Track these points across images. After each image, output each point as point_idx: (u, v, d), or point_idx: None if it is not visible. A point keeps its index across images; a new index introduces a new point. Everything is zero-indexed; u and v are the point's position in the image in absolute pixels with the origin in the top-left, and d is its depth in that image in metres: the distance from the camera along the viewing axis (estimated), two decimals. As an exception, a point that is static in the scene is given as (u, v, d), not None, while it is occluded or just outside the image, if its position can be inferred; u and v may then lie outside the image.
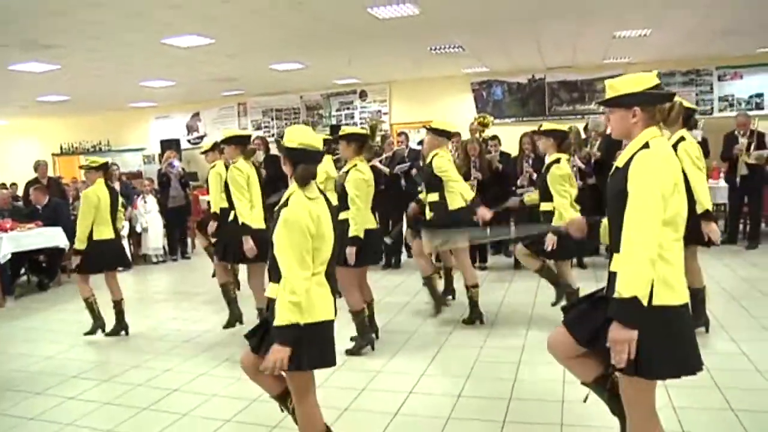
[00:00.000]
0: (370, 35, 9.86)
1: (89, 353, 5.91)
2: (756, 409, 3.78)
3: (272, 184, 6.94)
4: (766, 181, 9.15)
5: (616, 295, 2.33)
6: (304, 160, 3.01)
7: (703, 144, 9.39)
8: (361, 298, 5.39)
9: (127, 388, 4.83)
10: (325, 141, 7.51)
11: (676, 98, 2.61)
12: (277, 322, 2.82)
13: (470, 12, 8.72)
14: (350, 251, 5.05)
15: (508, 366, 4.84)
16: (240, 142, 5.92)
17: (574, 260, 8.16)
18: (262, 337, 3.09)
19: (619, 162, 2.58)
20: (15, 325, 7.17)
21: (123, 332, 6.38)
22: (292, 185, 3.04)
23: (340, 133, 5.51)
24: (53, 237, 8.81)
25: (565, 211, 5.36)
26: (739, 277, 7.38)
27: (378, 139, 11.14)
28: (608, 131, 8.20)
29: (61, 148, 19.05)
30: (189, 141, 17.75)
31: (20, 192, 12.40)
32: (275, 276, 2.97)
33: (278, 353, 2.80)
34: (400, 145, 9.21)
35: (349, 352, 5.23)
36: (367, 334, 5.35)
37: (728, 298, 6.45)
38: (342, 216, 4.95)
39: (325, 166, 7.21)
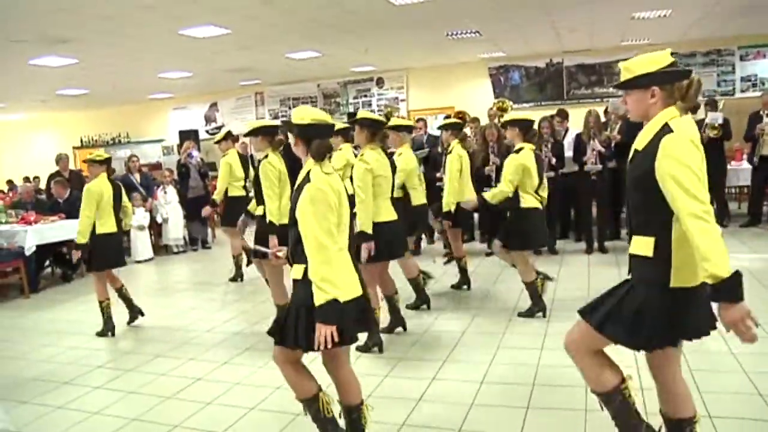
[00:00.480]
0: (386, 22, 9.81)
1: (113, 344, 5.99)
2: None
3: (292, 175, 6.97)
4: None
5: (712, 280, 2.24)
6: (319, 135, 3.05)
7: (725, 125, 9.32)
8: (375, 297, 5.04)
9: (152, 378, 4.88)
10: (345, 129, 7.57)
11: (694, 75, 2.55)
12: (317, 302, 2.83)
13: (486, -3, 8.66)
14: (366, 247, 4.80)
15: (531, 352, 4.82)
16: (268, 132, 5.62)
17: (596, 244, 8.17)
18: (281, 328, 3.09)
19: (638, 145, 2.54)
20: (40, 316, 7.27)
21: (139, 315, 6.44)
22: (309, 161, 3.06)
23: (356, 117, 5.18)
24: (73, 229, 8.89)
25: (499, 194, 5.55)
26: (764, 259, 7.28)
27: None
28: (628, 114, 8.25)
29: (81, 141, 19.21)
30: (207, 131, 17.81)
31: (42, 185, 12.52)
32: (300, 257, 2.98)
33: (324, 330, 2.82)
34: (418, 132, 9.17)
35: (359, 349, 4.97)
36: (376, 334, 5.04)
37: (753, 282, 6.36)
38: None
39: (346, 154, 7.23)
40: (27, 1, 6.93)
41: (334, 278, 2.84)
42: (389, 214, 5.06)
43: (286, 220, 5.12)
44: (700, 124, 9.57)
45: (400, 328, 5.49)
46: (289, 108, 17.41)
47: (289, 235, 3.11)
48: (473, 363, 4.69)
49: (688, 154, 2.34)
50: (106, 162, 6.29)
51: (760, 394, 3.75)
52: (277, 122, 6.15)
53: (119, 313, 6.35)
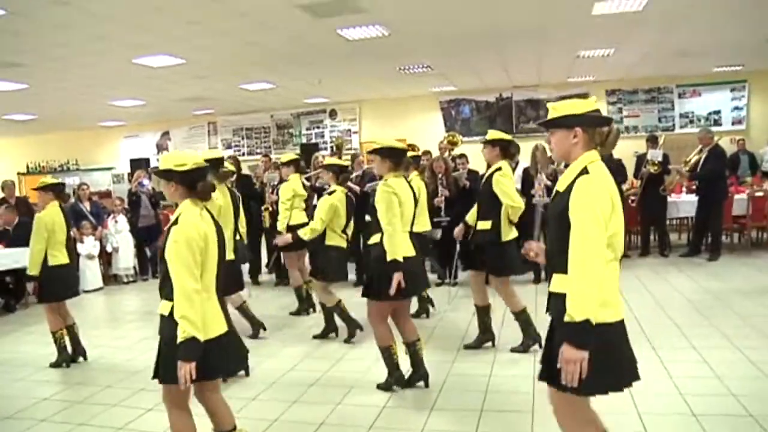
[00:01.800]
0: (339, 55, 10.02)
1: (62, 375, 5.85)
2: (716, 413, 3.95)
3: (244, 203, 6.99)
4: (724, 195, 9.41)
5: (567, 318, 2.42)
6: (202, 177, 3.21)
7: (665, 161, 9.75)
8: (388, 334, 4.70)
9: (102, 408, 4.82)
10: (295, 160, 7.66)
11: (614, 124, 2.73)
12: (178, 339, 2.93)
13: (437, 33, 8.95)
14: (394, 278, 4.36)
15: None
16: (213, 165, 5.27)
17: (532, 275, 8.40)
18: (157, 362, 3.19)
19: (560, 186, 2.67)
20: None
21: (81, 358, 6.16)
22: (184, 204, 3.17)
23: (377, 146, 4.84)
24: (20, 258, 8.72)
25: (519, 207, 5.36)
26: (701, 288, 7.59)
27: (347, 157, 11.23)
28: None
29: (27, 167, 18.86)
30: (159, 160, 17.66)
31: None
32: (168, 293, 3.07)
33: (184, 366, 2.93)
34: (370, 164, 9.30)
35: (379, 387, 4.81)
36: (396, 373, 4.76)
37: (691, 308, 6.65)
38: (372, 240, 4.69)
39: (293, 185, 7.33)
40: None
41: (195, 318, 2.94)
42: (409, 249, 4.58)
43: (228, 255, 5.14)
44: (641, 159, 10.00)
45: (421, 382, 4.82)
46: (242, 138, 17.46)
47: (159, 271, 3.22)
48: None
49: (596, 197, 2.48)
50: (58, 189, 6.07)
51: (693, 414, 3.92)
52: (221, 154, 6.08)
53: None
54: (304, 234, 5.98)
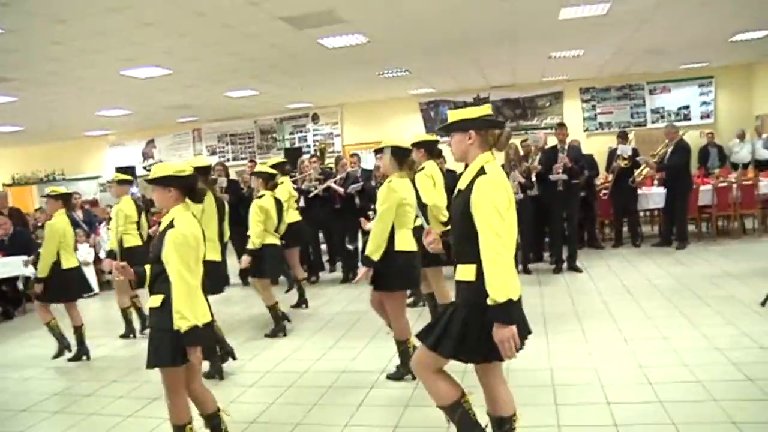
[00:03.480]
0: (320, 62, 10.39)
1: (66, 373, 6.17)
2: (670, 380, 4.39)
3: (234, 210, 7.37)
4: (689, 186, 9.89)
5: (491, 302, 2.73)
6: (197, 182, 3.66)
7: (634, 155, 10.23)
8: (406, 326, 4.89)
9: (110, 400, 5.17)
10: (281, 163, 8.06)
11: (506, 127, 3.08)
12: (182, 329, 3.32)
13: (414, 40, 9.35)
14: (365, 271, 4.69)
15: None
16: (202, 172, 5.53)
17: (520, 267, 8.82)
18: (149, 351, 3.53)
19: (461, 185, 3.00)
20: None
21: (84, 357, 6.55)
22: (175, 209, 3.56)
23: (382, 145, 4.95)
24: (17, 266, 9.04)
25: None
26: (668, 274, 8.07)
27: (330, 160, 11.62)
28: (546, 146, 9.01)
29: (13, 178, 19.05)
30: (144, 168, 17.95)
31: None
32: (159, 287, 3.50)
33: (191, 350, 3.36)
34: (353, 166, 9.70)
35: (390, 377, 5.07)
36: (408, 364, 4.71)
37: (657, 294, 7.11)
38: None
39: (287, 187, 7.73)
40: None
41: (194, 311, 3.36)
42: (410, 244, 4.79)
43: (213, 256, 5.40)
44: (613, 154, 10.49)
45: (409, 376, 4.96)
46: (227, 144, 17.77)
47: (150, 269, 3.62)
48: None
49: (496, 194, 2.81)
50: (66, 198, 6.58)
51: (660, 401, 4.32)
52: (209, 162, 6.45)
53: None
54: (252, 244, 6.49)
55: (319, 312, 7.69)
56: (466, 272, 2.92)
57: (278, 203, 6.79)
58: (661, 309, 6.41)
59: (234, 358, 5.65)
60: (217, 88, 12.13)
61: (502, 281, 2.72)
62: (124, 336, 7.29)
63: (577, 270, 8.67)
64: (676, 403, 4.04)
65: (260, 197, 6.64)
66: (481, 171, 2.90)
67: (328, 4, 7.19)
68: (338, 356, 5.84)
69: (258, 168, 7.36)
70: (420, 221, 6.17)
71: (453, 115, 3.06)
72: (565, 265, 8.85)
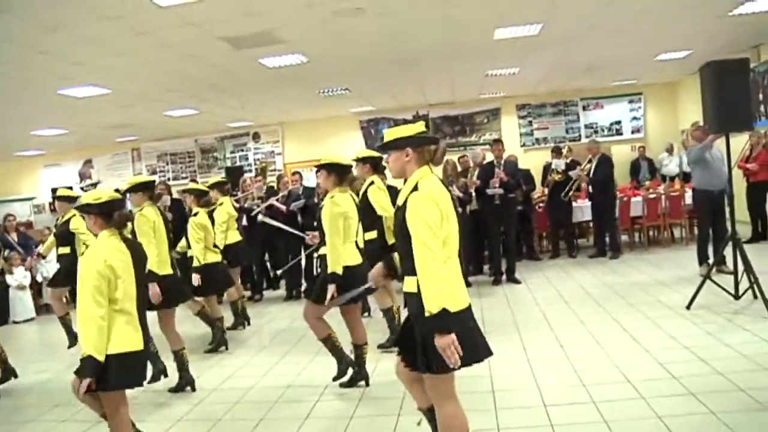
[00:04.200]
0: (260, 81, 10.49)
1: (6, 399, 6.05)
2: (602, 382, 4.61)
3: (178, 230, 7.39)
4: (612, 199, 10.32)
5: (427, 314, 2.80)
6: (119, 208, 3.69)
7: (567, 170, 10.62)
8: (322, 326, 5.13)
9: (52, 425, 5.11)
10: (221, 183, 8.08)
11: (441, 143, 3.18)
12: (80, 355, 3.42)
13: (353, 58, 9.55)
14: (329, 288, 4.78)
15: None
16: (146, 188, 5.71)
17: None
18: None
19: (399, 201, 3.11)
20: None
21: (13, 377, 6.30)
22: (101, 234, 3.63)
23: (323, 162, 5.09)
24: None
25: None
26: (601, 282, 8.41)
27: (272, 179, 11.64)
28: (485, 162, 9.28)
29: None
30: (82, 188, 17.56)
31: None
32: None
33: (83, 382, 3.38)
34: (294, 184, 9.75)
35: (339, 382, 5.21)
36: (344, 358, 5.16)
37: (590, 299, 7.45)
38: (322, 251, 5.09)
39: (227, 208, 7.75)
40: None
41: (92, 339, 3.38)
42: (354, 257, 5.00)
43: (167, 270, 5.56)
44: (547, 168, 10.86)
45: (362, 382, 5.18)
46: (167, 164, 17.61)
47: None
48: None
49: (426, 210, 2.90)
50: None
51: (593, 401, 4.57)
52: (153, 177, 6.50)
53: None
54: (198, 261, 6.63)
55: (264, 329, 7.73)
56: (410, 284, 3.01)
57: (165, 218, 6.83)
58: (594, 315, 6.70)
59: (165, 376, 5.62)
60: (157, 107, 12.08)
61: (435, 292, 2.81)
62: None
63: (516, 281, 8.92)
64: (608, 402, 4.26)
65: (195, 215, 6.73)
66: (414, 188, 3.00)
67: (267, 24, 7.32)
68: (284, 371, 5.89)
69: (189, 186, 7.42)
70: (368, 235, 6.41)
71: (389, 134, 3.16)
72: (504, 277, 9.09)
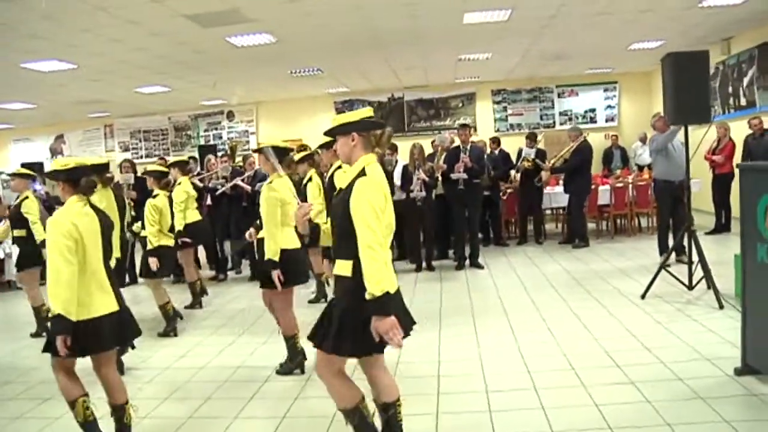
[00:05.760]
0: (231, 61, 10.39)
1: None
2: (555, 385, 4.46)
3: (139, 206, 7.34)
4: (586, 187, 10.33)
5: (369, 296, 2.82)
6: (85, 174, 3.70)
7: (542, 155, 10.66)
8: (294, 322, 5.09)
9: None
10: (182, 162, 8.00)
11: (387, 128, 3.22)
12: (51, 314, 3.41)
13: (322, 39, 9.49)
14: (274, 275, 4.78)
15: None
16: (98, 171, 5.01)
17: (424, 264, 9.08)
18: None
19: (342, 184, 3.15)
20: None
21: None
22: (69, 200, 3.64)
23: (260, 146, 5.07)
24: None
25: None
26: (563, 270, 8.49)
27: (239, 158, 11.56)
28: (452, 146, 9.26)
29: None
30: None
31: None
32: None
33: (58, 339, 3.38)
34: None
35: (278, 372, 5.15)
36: (296, 358, 5.12)
37: (549, 287, 7.53)
38: (261, 234, 5.01)
39: (185, 187, 7.69)
40: None
41: (64, 298, 3.38)
42: (294, 242, 4.99)
43: (117, 253, 5.31)
44: (519, 155, 10.87)
45: (298, 370, 5.16)
46: (140, 141, 17.45)
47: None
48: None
49: (374, 195, 2.94)
50: None
51: (535, 388, 4.62)
52: (120, 157, 6.39)
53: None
54: (150, 244, 6.56)
55: (223, 309, 7.71)
56: (343, 268, 3.03)
57: (170, 201, 6.86)
58: (550, 302, 6.76)
59: (123, 352, 5.57)
60: (127, 83, 11.95)
61: (379, 276, 2.83)
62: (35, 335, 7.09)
63: (479, 267, 8.97)
64: (548, 389, 4.31)
65: (154, 196, 6.67)
66: (362, 173, 3.02)
67: (233, 3, 7.25)
68: (237, 352, 5.88)
69: (150, 167, 7.34)
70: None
71: (336, 120, 3.18)
72: (468, 262, 9.13)
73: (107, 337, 3.63)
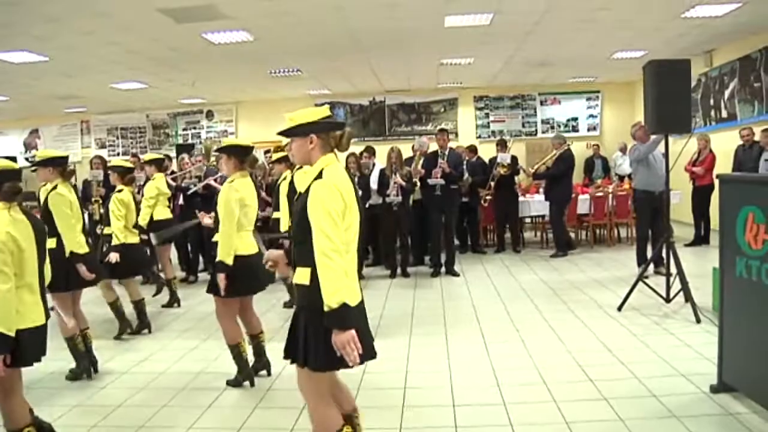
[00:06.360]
0: (208, 59, 10.18)
1: None
2: (525, 401, 4.31)
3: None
4: (566, 195, 10.20)
5: (326, 308, 2.61)
6: (9, 179, 3.40)
7: (513, 163, 10.53)
8: (237, 331, 4.83)
9: None
10: (158, 159, 7.81)
11: (347, 128, 3.01)
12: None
13: (301, 39, 9.32)
14: (219, 278, 4.52)
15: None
16: (59, 163, 5.20)
17: (399, 270, 8.90)
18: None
19: (300, 188, 2.94)
20: None
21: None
22: None
23: (223, 145, 4.95)
24: None
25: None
26: (539, 279, 8.35)
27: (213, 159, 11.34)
28: (429, 150, 9.10)
29: None
30: (27, 159, 17.03)
31: None
32: None
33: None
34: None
35: (229, 383, 4.87)
36: (245, 370, 4.84)
37: (524, 296, 7.38)
38: (216, 238, 4.68)
39: (157, 183, 7.49)
40: None
41: (3, 313, 3.13)
42: (251, 247, 4.74)
43: (84, 249, 5.13)
44: (492, 162, 10.73)
45: (264, 371, 5.05)
46: (117, 138, 17.17)
47: None
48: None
49: (329, 199, 2.70)
50: None
51: (498, 385, 4.46)
52: (67, 153, 6.03)
53: None
54: (117, 240, 6.27)
55: (192, 311, 7.49)
56: (301, 275, 2.82)
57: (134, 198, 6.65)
58: (525, 313, 6.60)
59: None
60: (102, 79, 11.70)
61: (335, 286, 2.62)
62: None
63: (455, 274, 8.80)
64: (518, 404, 4.14)
65: (119, 192, 6.41)
66: (319, 175, 2.80)
67: (208, -2, 7.05)
68: (200, 357, 5.67)
69: (113, 162, 7.13)
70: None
71: (292, 120, 2.93)
72: (443, 269, 8.96)
73: (29, 352, 3.34)
